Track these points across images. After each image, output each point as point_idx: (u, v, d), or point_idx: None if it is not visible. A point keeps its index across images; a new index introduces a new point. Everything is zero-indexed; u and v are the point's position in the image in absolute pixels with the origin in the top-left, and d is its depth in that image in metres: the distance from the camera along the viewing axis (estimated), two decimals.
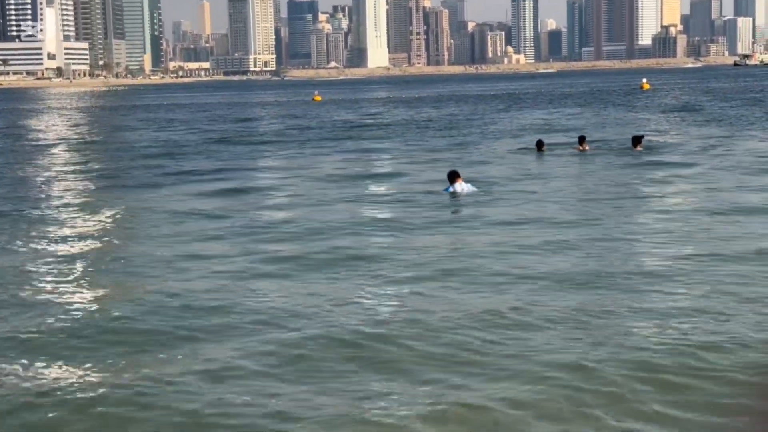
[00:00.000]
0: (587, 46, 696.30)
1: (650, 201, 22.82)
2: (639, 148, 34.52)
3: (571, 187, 25.42)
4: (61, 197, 26.48)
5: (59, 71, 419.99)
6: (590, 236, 17.57)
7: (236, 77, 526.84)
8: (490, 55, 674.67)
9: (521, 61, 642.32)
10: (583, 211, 21.02)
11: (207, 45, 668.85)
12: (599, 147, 36.21)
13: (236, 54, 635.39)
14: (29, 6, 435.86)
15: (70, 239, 18.89)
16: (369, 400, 9.30)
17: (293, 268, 15.52)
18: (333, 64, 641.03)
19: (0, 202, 25.24)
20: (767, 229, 17.92)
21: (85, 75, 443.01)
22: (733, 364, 10.03)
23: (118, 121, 79.04)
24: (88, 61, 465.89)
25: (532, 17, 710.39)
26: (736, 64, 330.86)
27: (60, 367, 10.41)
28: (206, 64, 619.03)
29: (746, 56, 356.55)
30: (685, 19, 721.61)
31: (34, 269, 15.79)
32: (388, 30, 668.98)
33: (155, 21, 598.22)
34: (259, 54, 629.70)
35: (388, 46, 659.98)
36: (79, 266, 15.97)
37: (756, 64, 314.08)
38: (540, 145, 35.67)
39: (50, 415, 9.01)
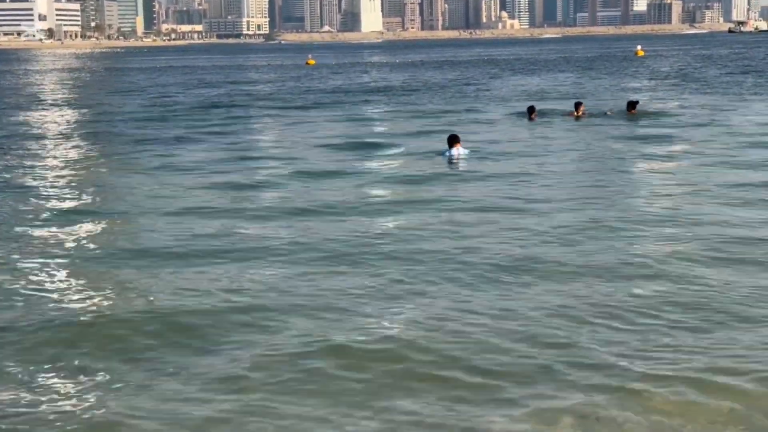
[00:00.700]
0: (582, 12, 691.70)
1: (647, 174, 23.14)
2: (633, 112, 35.43)
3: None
4: (49, 163, 26.52)
5: (50, 32, 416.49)
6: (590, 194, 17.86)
7: (230, 40, 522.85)
8: (484, 20, 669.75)
9: (516, 26, 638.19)
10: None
11: (200, 7, 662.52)
12: (592, 114, 36.37)
13: (229, 17, 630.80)
14: None
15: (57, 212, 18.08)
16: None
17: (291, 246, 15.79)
18: (326, 28, 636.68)
19: None
20: None
21: (76, 36, 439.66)
22: None
23: (113, 84, 78.67)
24: (79, 23, 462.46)
25: None
26: (730, 31, 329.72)
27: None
28: (199, 27, 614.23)
29: (741, 23, 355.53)
30: None
31: (24, 252, 14.45)
32: None
33: None
34: (252, 17, 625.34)
35: (382, 11, 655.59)
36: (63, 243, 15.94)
37: (751, 31, 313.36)
38: (531, 111, 35.81)
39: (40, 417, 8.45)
